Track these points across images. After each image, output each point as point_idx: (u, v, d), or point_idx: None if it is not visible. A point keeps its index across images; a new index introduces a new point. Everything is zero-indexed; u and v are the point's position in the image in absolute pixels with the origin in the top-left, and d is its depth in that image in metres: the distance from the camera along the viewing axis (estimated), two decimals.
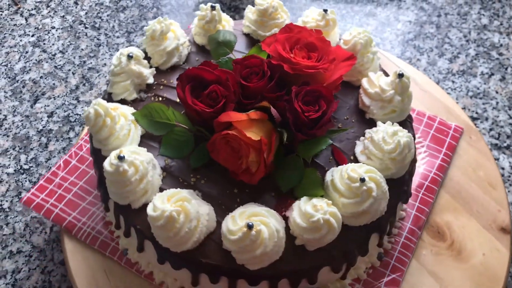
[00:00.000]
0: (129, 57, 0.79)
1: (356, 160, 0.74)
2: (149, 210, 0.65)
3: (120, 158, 0.66)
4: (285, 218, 0.68)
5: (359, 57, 0.81)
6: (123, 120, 0.75)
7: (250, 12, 0.88)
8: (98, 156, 0.75)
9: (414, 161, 0.78)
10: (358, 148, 0.76)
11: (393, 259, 0.80)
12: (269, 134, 0.68)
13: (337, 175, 0.69)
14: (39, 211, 0.83)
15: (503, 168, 1.00)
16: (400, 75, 0.76)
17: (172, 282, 0.76)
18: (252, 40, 0.89)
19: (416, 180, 0.87)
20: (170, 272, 0.73)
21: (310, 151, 0.71)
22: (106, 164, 0.67)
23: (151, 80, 0.83)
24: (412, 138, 0.73)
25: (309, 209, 0.64)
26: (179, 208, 0.64)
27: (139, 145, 0.75)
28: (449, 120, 0.97)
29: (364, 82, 0.81)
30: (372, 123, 0.78)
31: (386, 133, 0.72)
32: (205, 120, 0.71)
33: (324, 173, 0.71)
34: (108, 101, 0.76)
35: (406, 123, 0.81)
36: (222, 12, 0.88)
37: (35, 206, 0.83)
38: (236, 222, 0.64)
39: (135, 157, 0.68)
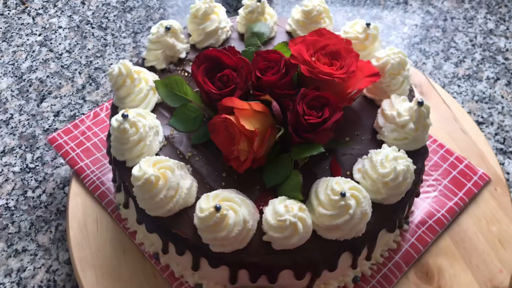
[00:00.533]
0: (167, 28, 0.83)
1: (351, 176, 0.73)
2: (134, 169, 0.68)
3: (124, 117, 0.71)
4: (261, 213, 0.69)
5: (387, 77, 0.79)
6: (144, 84, 0.79)
7: (295, 11, 0.90)
8: (114, 112, 0.80)
9: (413, 193, 0.77)
10: (357, 166, 0.74)
11: (368, 286, 0.78)
12: (266, 128, 0.69)
13: (323, 184, 0.69)
14: (59, 150, 0.92)
15: (508, 173, 1.00)
16: (420, 103, 0.73)
17: (149, 245, 0.80)
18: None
19: (419, 215, 0.85)
20: (147, 234, 0.77)
21: (302, 154, 0.70)
22: (113, 120, 0.72)
23: (183, 55, 0.87)
24: (412, 168, 0.70)
25: (281, 208, 0.65)
26: (160, 174, 0.66)
27: (152, 111, 0.79)
28: (479, 166, 0.93)
29: (385, 102, 0.79)
30: (380, 145, 0.76)
31: (386, 156, 0.70)
32: (212, 101, 0.73)
33: (314, 180, 0.71)
34: (140, 66, 0.84)
35: (418, 154, 0.76)
36: (268, 6, 0.90)
37: (56, 146, 0.93)
38: (208, 201, 0.66)
39: (139, 119, 0.72)
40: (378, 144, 0.76)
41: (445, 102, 1.02)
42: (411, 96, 0.83)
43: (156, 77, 0.82)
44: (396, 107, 0.76)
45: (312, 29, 0.84)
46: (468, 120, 1.00)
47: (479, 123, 1.07)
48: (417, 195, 0.84)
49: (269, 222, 0.66)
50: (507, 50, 1.22)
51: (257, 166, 0.70)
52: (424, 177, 0.89)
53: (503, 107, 1.11)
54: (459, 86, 1.14)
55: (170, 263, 0.79)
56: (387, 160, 0.69)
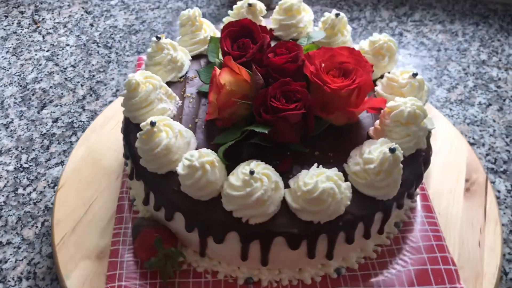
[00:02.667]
0: (249, 5, 0.92)
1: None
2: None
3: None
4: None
5: (391, 122, 0.75)
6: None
7: (364, 42, 0.90)
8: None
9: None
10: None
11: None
12: (240, 94, 0.71)
13: (369, 146, 0.72)
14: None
15: (499, 191, 1.00)
16: (392, 150, 0.68)
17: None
18: None
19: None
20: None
21: (243, 128, 0.72)
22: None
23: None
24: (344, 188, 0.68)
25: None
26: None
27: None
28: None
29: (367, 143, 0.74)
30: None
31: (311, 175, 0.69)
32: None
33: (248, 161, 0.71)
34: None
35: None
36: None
37: None
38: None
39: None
40: (338, 167, 0.72)
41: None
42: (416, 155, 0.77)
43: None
44: (369, 151, 0.71)
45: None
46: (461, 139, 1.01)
47: (470, 144, 1.08)
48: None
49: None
50: (499, 79, 1.24)
51: (221, 125, 0.72)
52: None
53: (494, 130, 1.12)
54: (451, 109, 1.16)
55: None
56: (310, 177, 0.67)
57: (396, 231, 0.83)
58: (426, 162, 0.80)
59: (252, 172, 0.64)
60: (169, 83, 0.84)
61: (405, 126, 0.74)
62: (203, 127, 0.78)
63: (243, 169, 0.66)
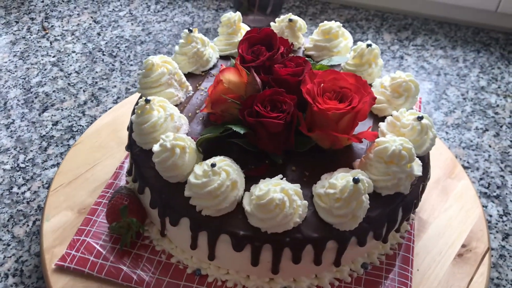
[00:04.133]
0: (289, 20, 0.95)
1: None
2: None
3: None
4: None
5: (373, 156, 0.73)
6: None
7: (386, 78, 0.88)
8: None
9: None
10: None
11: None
12: (235, 94, 0.74)
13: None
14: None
15: (490, 215, 0.99)
16: (355, 180, 0.67)
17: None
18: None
19: None
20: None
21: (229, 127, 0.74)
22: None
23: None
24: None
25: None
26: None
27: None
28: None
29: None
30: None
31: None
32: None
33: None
34: None
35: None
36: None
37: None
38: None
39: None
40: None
41: None
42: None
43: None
44: (337, 177, 0.70)
45: (389, 98, 0.85)
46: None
47: (464, 167, 1.08)
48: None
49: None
50: (497, 105, 1.25)
51: (213, 120, 0.76)
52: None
53: (489, 155, 1.12)
54: (447, 133, 1.17)
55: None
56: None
57: (361, 271, 0.79)
58: (406, 210, 0.76)
59: (213, 165, 0.67)
60: (189, 74, 0.91)
61: (386, 164, 0.71)
62: (201, 119, 0.81)
63: (209, 161, 0.69)
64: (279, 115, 0.71)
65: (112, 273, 0.76)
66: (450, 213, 0.92)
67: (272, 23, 0.99)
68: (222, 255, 0.73)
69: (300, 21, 0.97)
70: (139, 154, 0.77)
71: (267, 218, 0.66)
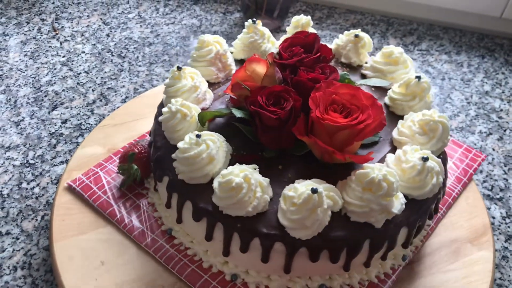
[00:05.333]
0: (356, 36, 0.96)
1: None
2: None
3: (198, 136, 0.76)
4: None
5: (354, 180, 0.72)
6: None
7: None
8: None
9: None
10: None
11: None
12: (254, 81, 0.79)
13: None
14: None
15: (493, 217, 1.00)
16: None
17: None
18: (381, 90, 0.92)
19: None
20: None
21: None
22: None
23: None
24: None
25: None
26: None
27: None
28: None
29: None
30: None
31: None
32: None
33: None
34: None
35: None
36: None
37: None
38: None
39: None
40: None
41: None
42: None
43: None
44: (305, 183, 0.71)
45: (413, 133, 0.80)
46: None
47: None
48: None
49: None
50: (501, 110, 1.26)
51: (232, 103, 0.82)
52: None
53: (493, 159, 1.13)
54: (450, 136, 1.18)
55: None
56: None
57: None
58: (374, 246, 0.72)
59: (198, 136, 0.72)
60: (241, 61, 0.96)
61: (363, 190, 0.68)
62: (226, 100, 0.87)
63: (200, 133, 0.74)
64: (276, 111, 0.73)
65: (103, 206, 0.86)
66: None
67: (340, 36, 0.99)
68: (186, 221, 0.77)
69: (367, 38, 0.97)
70: (159, 115, 0.83)
71: (223, 197, 0.68)
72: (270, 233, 0.69)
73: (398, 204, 0.70)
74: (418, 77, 0.84)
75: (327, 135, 0.71)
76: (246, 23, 0.95)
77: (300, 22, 0.99)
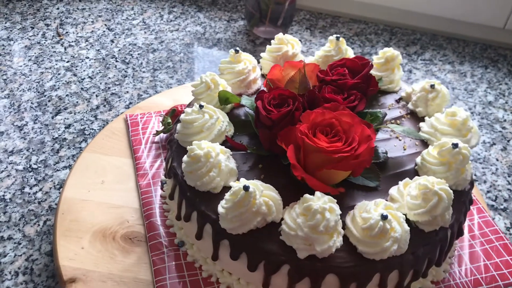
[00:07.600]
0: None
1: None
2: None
3: (201, 107, 0.81)
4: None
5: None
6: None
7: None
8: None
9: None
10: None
11: None
12: (283, 83, 0.82)
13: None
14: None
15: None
16: None
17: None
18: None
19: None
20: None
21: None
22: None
23: None
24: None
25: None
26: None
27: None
28: None
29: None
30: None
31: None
32: None
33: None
34: None
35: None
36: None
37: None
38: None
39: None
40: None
41: None
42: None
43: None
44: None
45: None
46: None
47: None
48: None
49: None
50: (504, 120, 1.26)
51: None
52: None
53: (497, 169, 1.13)
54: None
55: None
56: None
57: None
58: (293, 276, 0.69)
59: (201, 106, 0.79)
60: None
61: (300, 214, 0.66)
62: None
63: (203, 104, 0.81)
64: (272, 111, 0.74)
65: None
66: None
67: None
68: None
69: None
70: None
71: (190, 169, 0.73)
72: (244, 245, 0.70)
73: (327, 245, 0.65)
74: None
75: (303, 152, 0.70)
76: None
77: (385, 54, 0.95)
